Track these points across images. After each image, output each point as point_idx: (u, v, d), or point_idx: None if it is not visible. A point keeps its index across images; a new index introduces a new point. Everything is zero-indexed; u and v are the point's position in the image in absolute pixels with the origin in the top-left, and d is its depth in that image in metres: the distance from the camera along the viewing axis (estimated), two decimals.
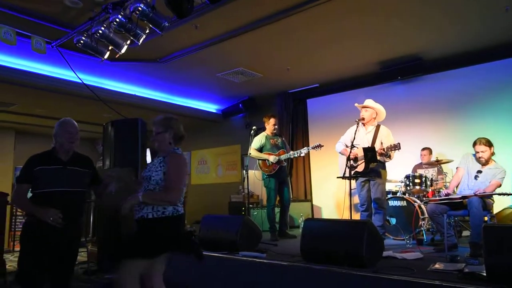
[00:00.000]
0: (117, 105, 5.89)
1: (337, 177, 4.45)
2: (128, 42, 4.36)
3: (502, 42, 5.33)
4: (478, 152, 4.02)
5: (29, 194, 2.69)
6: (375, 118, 4.69)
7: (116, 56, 4.55)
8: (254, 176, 5.94)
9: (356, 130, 4.48)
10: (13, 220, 7.38)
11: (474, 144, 4.05)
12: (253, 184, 6.23)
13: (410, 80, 6.23)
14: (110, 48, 4.42)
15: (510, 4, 4.28)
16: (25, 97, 6.24)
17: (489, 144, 3.98)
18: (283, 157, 5.22)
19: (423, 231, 4.74)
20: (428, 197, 4.99)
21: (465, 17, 4.65)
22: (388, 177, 4.88)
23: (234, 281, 3.61)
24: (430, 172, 5.22)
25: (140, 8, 3.67)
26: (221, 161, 9.04)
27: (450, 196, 4.00)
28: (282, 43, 5.28)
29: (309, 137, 7.52)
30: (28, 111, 7.12)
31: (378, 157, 4.32)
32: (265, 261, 3.59)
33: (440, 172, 5.37)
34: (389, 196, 5.15)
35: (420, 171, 5.22)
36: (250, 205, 6.53)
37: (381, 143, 4.51)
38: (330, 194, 7.00)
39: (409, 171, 5.39)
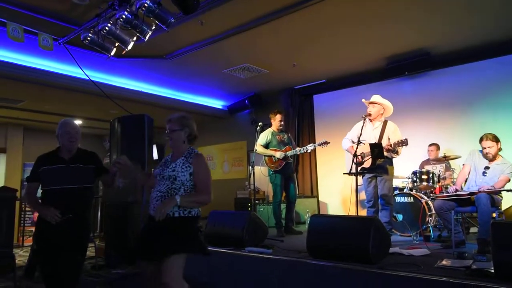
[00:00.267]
0: (123, 102, 5.92)
1: (344, 173, 4.43)
2: (135, 38, 4.37)
3: None
4: (485, 148, 3.98)
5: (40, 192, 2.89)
6: (382, 114, 4.66)
7: (123, 53, 4.57)
8: (260, 172, 5.94)
9: (362, 126, 4.45)
10: (22, 216, 7.48)
11: (481, 140, 4.02)
12: (259, 180, 6.23)
13: (417, 76, 6.16)
14: (116, 44, 4.44)
15: None
16: (33, 94, 6.29)
17: (496, 139, 3.94)
18: (289, 153, 5.21)
19: (430, 228, 4.72)
20: (435, 193, 4.96)
21: (475, 10, 4.57)
22: (395, 173, 4.86)
23: (240, 276, 3.63)
24: (437, 168, 5.17)
25: (146, 5, 3.68)
26: (227, 157, 9.05)
27: (458, 193, 3.97)
28: (288, 38, 5.25)
29: (315, 133, 7.50)
30: (36, 107, 7.18)
31: (385, 153, 4.29)
32: (271, 257, 3.59)
33: (448, 168, 5.33)
34: (396, 192, 5.12)
35: (427, 167, 5.18)
36: (256, 201, 6.54)
37: (388, 139, 4.48)
38: (336, 190, 6.98)
39: (416, 167, 5.37)
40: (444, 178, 5.08)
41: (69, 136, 2.86)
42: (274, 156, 5.20)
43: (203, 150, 9.55)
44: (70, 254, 2.78)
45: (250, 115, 8.44)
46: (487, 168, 4.01)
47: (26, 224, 7.50)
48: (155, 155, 9.24)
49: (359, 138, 4.33)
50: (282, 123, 5.39)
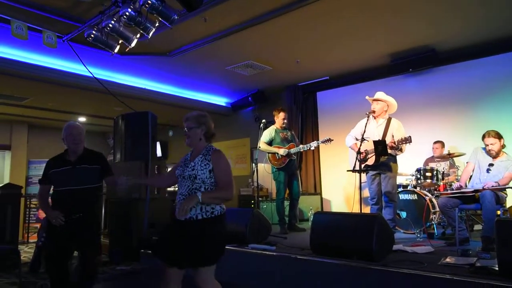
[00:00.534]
0: (127, 99, 5.93)
1: (347, 171, 4.43)
2: (138, 35, 4.38)
3: None
4: (487, 145, 3.96)
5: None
6: (386, 111, 4.64)
7: (126, 50, 4.57)
8: (264, 169, 5.95)
9: (366, 123, 4.44)
10: (27, 213, 7.53)
11: (483, 137, 4.00)
12: (262, 177, 6.24)
13: (422, 72, 6.12)
14: (120, 41, 4.45)
15: None
16: (38, 91, 6.31)
17: (498, 136, 3.92)
18: (292, 150, 5.21)
19: (434, 225, 4.70)
20: (439, 190, 4.94)
21: (482, 5, 4.51)
22: (399, 171, 4.84)
23: (243, 273, 3.64)
24: (442, 166, 5.15)
25: (149, 2, 3.68)
26: (231, 154, 9.05)
27: (462, 190, 3.96)
28: (291, 35, 5.23)
29: (318, 130, 7.49)
30: (41, 105, 7.21)
31: (389, 150, 4.28)
32: (274, 253, 3.60)
33: (452, 165, 5.31)
34: (399, 189, 5.11)
35: (432, 165, 5.16)
36: (260, 198, 6.55)
37: (392, 136, 4.46)
38: (340, 188, 6.97)
39: (420, 164, 5.35)
40: (448, 176, 5.06)
41: (73, 139, 3.02)
42: (277, 154, 5.20)
43: None
44: (83, 251, 3.01)
45: (253, 112, 8.44)
46: (491, 165, 3.98)
47: (31, 221, 7.54)
48: (159, 152, 9.26)
49: (362, 135, 4.32)
50: (285, 121, 5.39)
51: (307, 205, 6.55)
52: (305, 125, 7.67)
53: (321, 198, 7.02)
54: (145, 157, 5.13)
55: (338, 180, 6.91)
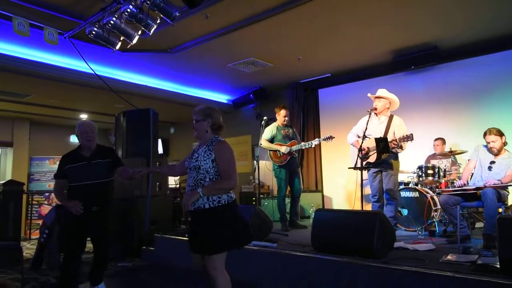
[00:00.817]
0: (129, 96, 5.94)
1: (349, 168, 4.42)
2: (139, 32, 4.37)
3: None
4: (489, 143, 3.95)
5: None
6: (388, 108, 4.62)
7: (128, 47, 4.58)
8: (265, 166, 5.95)
9: (368, 120, 4.43)
10: (29, 209, 7.55)
11: (485, 134, 3.98)
12: (264, 175, 6.24)
13: (424, 70, 6.11)
14: (121, 38, 4.44)
15: None
16: (39, 88, 6.32)
17: (499, 133, 3.90)
18: (294, 148, 5.21)
19: (435, 223, 4.70)
20: (441, 188, 4.93)
21: (486, 2, 4.49)
22: (401, 168, 4.83)
23: (245, 270, 3.64)
24: (443, 163, 5.14)
25: None
26: None
27: (464, 187, 3.95)
28: (293, 32, 5.22)
29: (320, 127, 7.48)
30: (42, 101, 7.22)
31: (391, 148, 4.27)
32: (275, 250, 3.61)
33: (454, 163, 5.29)
34: (401, 187, 5.10)
35: (433, 162, 5.15)
36: (261, 195, 6.55)
37: (394, 133, 4.45)
38: (341, 185, 6.97)
39: (422, 162, 5.34)
40: (450, 173, 5.05)
41: (87, 135, 3.20)
42: (279, 151, 5.20)
43: None
44: (98, 238, 3.28)
45: (255, 109, 8.43)
46: (492, 162, 3.97)
47: (33, 217, 7.57)
48: (160, 149, 9.27)
49: (364, 132, 4.31)
50: (286, 118, 5.38)
51: (308, 202, 6.55)
52: (306, 122, 7.66)
53: (323, 195, 7.03)
54: (147, 154, 5.14)
55: (340, 178, 6.91)
